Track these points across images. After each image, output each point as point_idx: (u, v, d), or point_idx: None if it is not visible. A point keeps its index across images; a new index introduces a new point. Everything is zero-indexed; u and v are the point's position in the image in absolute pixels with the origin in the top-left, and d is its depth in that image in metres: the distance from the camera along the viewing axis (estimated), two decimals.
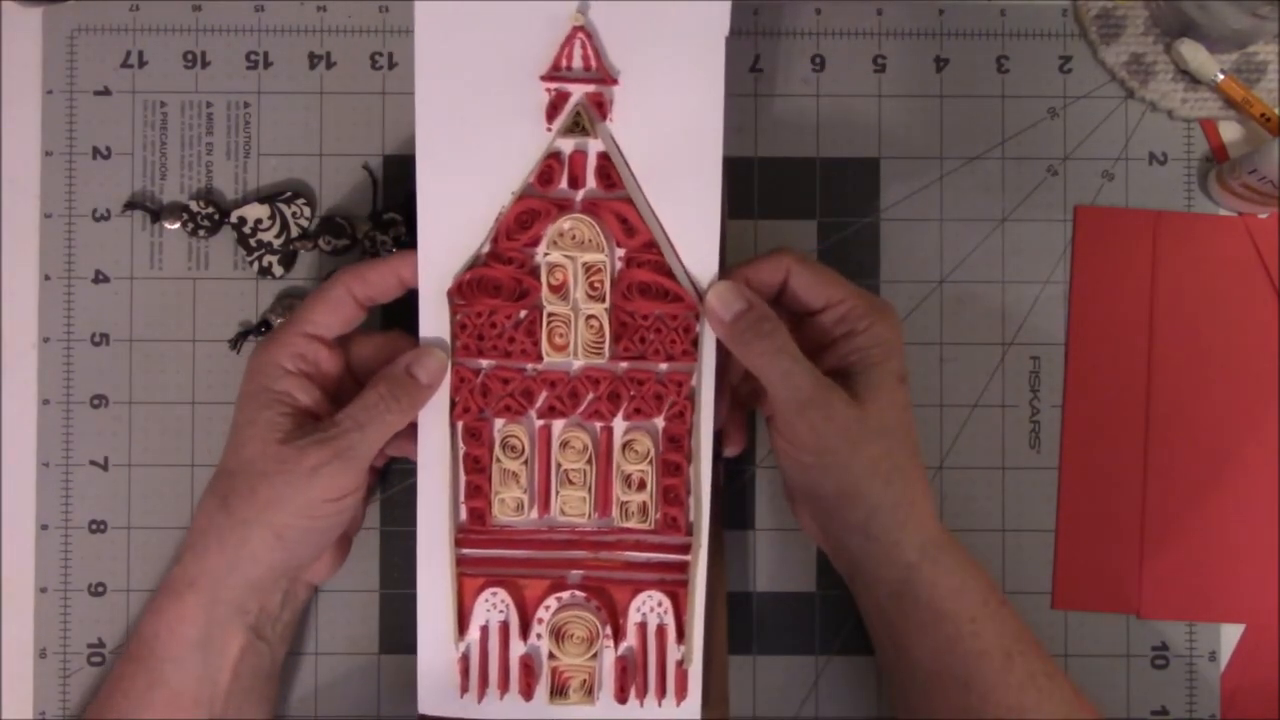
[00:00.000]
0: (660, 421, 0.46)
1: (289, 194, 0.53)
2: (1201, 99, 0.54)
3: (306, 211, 0.53)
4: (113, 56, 0.54)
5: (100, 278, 0.53)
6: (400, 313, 0.48)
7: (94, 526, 0.53)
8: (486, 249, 0.46)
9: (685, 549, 0.47)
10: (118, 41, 0.54)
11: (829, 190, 0.54)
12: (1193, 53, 0.53)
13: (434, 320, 0.46)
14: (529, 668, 0.47)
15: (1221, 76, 0.53)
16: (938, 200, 0.54)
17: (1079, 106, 0.54)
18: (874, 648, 0.48)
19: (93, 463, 0.53)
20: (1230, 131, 0.54)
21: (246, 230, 0.53)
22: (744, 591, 0.53)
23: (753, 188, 0.54)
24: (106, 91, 0.54)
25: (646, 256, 0.46)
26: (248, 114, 0.54)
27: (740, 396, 0.50)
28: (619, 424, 0.47)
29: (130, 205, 0.53)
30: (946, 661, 0.44)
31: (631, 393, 0.46)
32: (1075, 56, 0.54)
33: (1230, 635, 0.53)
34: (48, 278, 0.53)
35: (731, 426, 0.50)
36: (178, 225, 0.53)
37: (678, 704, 0.47)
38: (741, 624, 0.53)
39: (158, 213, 0.53)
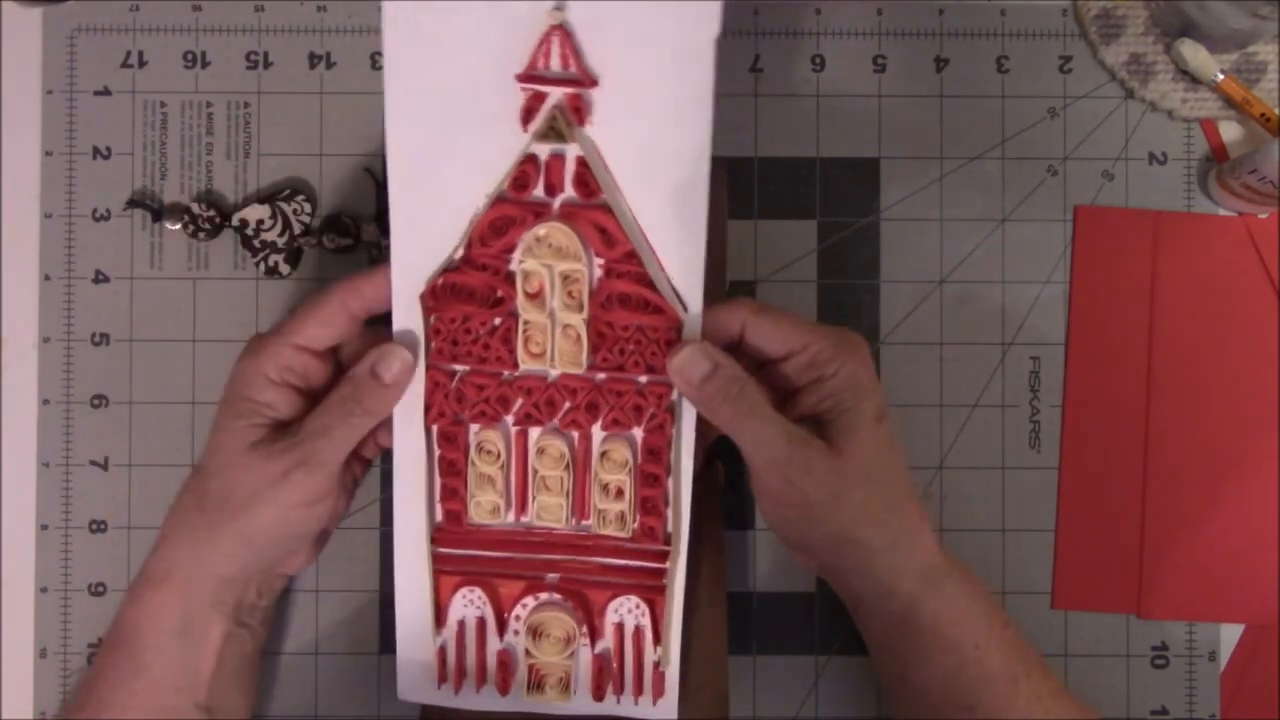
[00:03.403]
0: (639, 433, 0.45)
1: (288, 191, 0.53)
2: (1201, 99, 0.54)
3: (307, 208, 0.53)
4: (113, 56, 0.54)
5: (100, 278, 0.53)
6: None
7: (94, 526, 0.53)
8: (460, 254, 0.44)
9: (663, 557, 0.46)
10: (118, 41, 0.54)
11: (829, 190, 0.54)
12: (1193, 53, 0.53)
13: (407, 324, 0.45)
14: (506, 664, 0.47)
15: (1221, 76, 0.53)
16: (938, 200, 0.54)
17: (1079, 106, 0.54)
18: (878, 675, 0.48)
19: (93, 463, 0.53)
20: (1230, 131, 0.54)
21: (249, 232, 0.52)
22: (744, 591, 0.53)
23: (753, 188, 0.54)
24: (106, 91, 0.54)
25: (627, 267, 0.43)
26: (248, 114, 0.54)
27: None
28: (597, 433, 0.45)
29: (132, 203, 0.53)
30: (952, 688, 0.44)
31: (610, 403, 0.45)
32: (1075, 56, 0.54)
33: (1230, 635, 0.53)
34: (48, 278, 0.53)
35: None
36: (179, 226, 0.53)
37: (654, 703, 0.47)
38: (741, 624, 0.52)
39: (159, 211, 0.53)
